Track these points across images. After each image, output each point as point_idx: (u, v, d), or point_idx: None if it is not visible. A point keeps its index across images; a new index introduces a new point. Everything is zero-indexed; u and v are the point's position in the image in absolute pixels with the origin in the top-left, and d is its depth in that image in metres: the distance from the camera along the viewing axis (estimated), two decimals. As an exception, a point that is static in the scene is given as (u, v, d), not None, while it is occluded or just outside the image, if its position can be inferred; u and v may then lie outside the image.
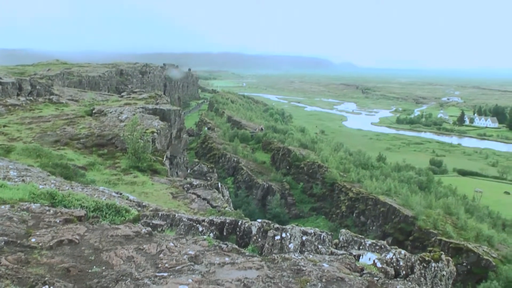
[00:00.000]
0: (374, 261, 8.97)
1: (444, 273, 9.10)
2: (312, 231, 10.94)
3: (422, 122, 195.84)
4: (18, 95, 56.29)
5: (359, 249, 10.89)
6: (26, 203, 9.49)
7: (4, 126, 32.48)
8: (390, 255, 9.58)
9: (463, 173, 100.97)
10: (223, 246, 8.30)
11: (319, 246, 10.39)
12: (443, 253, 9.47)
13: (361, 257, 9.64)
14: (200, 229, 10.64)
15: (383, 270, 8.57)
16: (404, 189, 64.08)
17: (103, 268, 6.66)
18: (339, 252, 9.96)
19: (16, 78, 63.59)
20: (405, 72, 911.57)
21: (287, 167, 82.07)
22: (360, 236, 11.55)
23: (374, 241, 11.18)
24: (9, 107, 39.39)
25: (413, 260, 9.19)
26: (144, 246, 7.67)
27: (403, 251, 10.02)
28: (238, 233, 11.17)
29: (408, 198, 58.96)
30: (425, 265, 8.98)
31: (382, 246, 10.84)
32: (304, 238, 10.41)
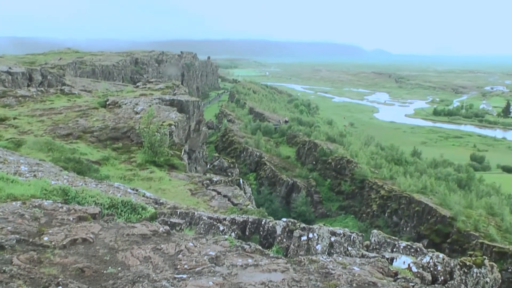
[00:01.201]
0: (409, 265, 8.89)
1: (488, 280, 8.96)
2: (341, 231, 10.91)
3: (462, 113, 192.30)
4: (28, 85, 57.30)
5: (392, 251, 10.82)
6: (38, 199, 9.67)
7: (14, 118, 33.14)
8: (426, 258, 9.47)
9: (508, 169, 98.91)
10: (246, 246, 8.32)
11: (349, 248, 10.36)
12: (486, 257, 9.32)
13: (394, 260, 9.58)
14: (221, 228, 10.71)
15: (419, 275, 8.48)
16: (441, 187, 63.04)
17: (119, 269, 6.74)
18: (371, 254, 9.90)
19: (26, 67, 64.73)
20: (442, 59, 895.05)
21: (313, 162, 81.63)
22: (393, 237, 11.47)
23: (408, 243, 11.08)
24: (19, 98, 40.14)
25: (452, 264, 9.07)
26: (162, 246, 7.74)
27: (441, 255, 9.90)
28: (261, 233, 11.21)
29: (446, 197, 58.04)
30: (466, 270, 8.86)
31: (418, 249, 10.75)
32: (332, 239, 10.39)
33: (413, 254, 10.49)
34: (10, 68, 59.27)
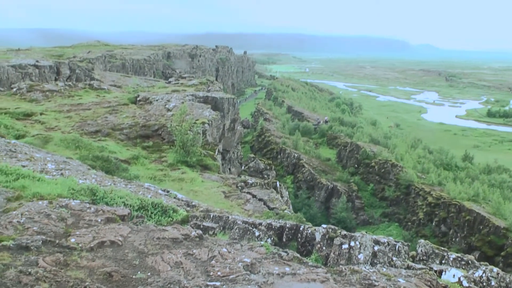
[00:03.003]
0: (459, 278, 8.71)
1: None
2: (386, 240, 10.75)
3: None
4: (56, 79, 58.67)
5: (441, 263, 10.61)
6: (65, 199, 9.84)
7: (41, 113, 33.93)
8: (479, 272, 9.27)
9: None
10: (283, 254, 8.28)
11: (394, 258, 10.20)
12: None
13: (443, 273, 9.39)
14: (257, 233, 10.68)
15: (470, 290, 8.29)
16: (495, 195, 61.53)
17: (149, 274, 6.79)
18: (417, 266, 9.74)
19: (54, 61, 66.27)
20: (498, 56, 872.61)
21: (355, 165, 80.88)
22: (442, 248, 11.25)
23: (459, 255, 10.84)
24: (47, 93, 41.11)
25: (508, 280, 8.83)
26: (194, 251, 7.77)
27: (495, 269, 9.67)
28: (299, 239, 11.14)
29: (500, 206, 56.64)
30: (524, 286, 8.60)
31: (469, 262, 10.50)
32: (376, 248, 10.25)
33: (464, 267, 10.26)
34: (37, 61, 60.82)
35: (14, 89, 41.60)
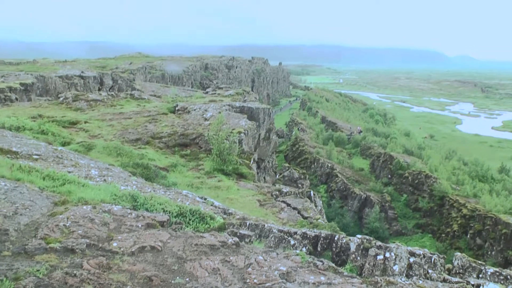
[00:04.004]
0: (498, 293, 8.49)
1: None
2: (421, 252, 10.57)
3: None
4: (99, 89, 59.98)
5: (478, 277, 10.36)
6: (108, 204, 10.02)
7: (85, 122, 34.63)
8: (518, 287, 9.02)
9: None
10: (318, 263, 8.23)
11: (429, 271, 10.01)
12: None
13: (481, 287, 9.18)
14: (292, 242, 10.63)
15: (508, 304, 8.08)
16: (532, 208, 60.05)
17: (187, 279, 6.85)
18: (454, 279, 9.54)
19: (98, 72, 67.75)
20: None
21: (389, 176, 79.91)
22: (479, 262, 10.99)
23: (497, 269, 10.57)
24: (91, 102, 41.97)
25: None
26: (231, 258, 7.79)
27: (535, 285, 9.41)
28: (334, 249, 11.04)
29: (537, 219, 55.27)
30: None
31: (508, 277, 10.23)
32: (411, 259, 10.08)
33: (502, 282, 10.00)
34: (82, 72, 62.27)
35: (61, 99, 42.63)
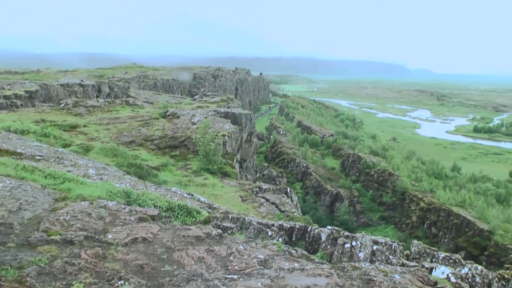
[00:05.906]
0: (448, 275, 8.65)
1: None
2: (383, 240, 10.71)
3: (503, 131, 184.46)
4: (97, 96, 59.36)
5: (431, 262, 10.55)
6: (104, 200, 9.96)
7: (84, 126, 34.32)
8: (465, 270, 9.20)
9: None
10: (293, 251, 8.29)
11: (390, 257, 10.15)
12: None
13: (434, 270, 9.34)
14: (270, 233, 10.69)
15: (457, 285, 8.23)
16: (480, 202, 60.73)
17: (175, 267, 6.86)
18: (411, 264, 9.68)
19: (96, 80, 67.13)
20: (486, 79, 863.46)
21: (357, 174, 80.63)
22: (432, 248, 11.19)
23: (447, 254, 10.78)
24: (89, 108, 41.59)
25: (490, 277, 8.74)
26: (215, 247, 7.82)
27: (479, 267, 9.60)
28: (307, 239, 11.13)
29: (484, 211, 55.98)
30: (504, 283, 8.52)
31: (457, 260, 10.42)
32: (374, 247, 10.21)
33: (451, 265, 10.19)
34: (82, 80, 61.67)
35: (62, 105, 42.19)
